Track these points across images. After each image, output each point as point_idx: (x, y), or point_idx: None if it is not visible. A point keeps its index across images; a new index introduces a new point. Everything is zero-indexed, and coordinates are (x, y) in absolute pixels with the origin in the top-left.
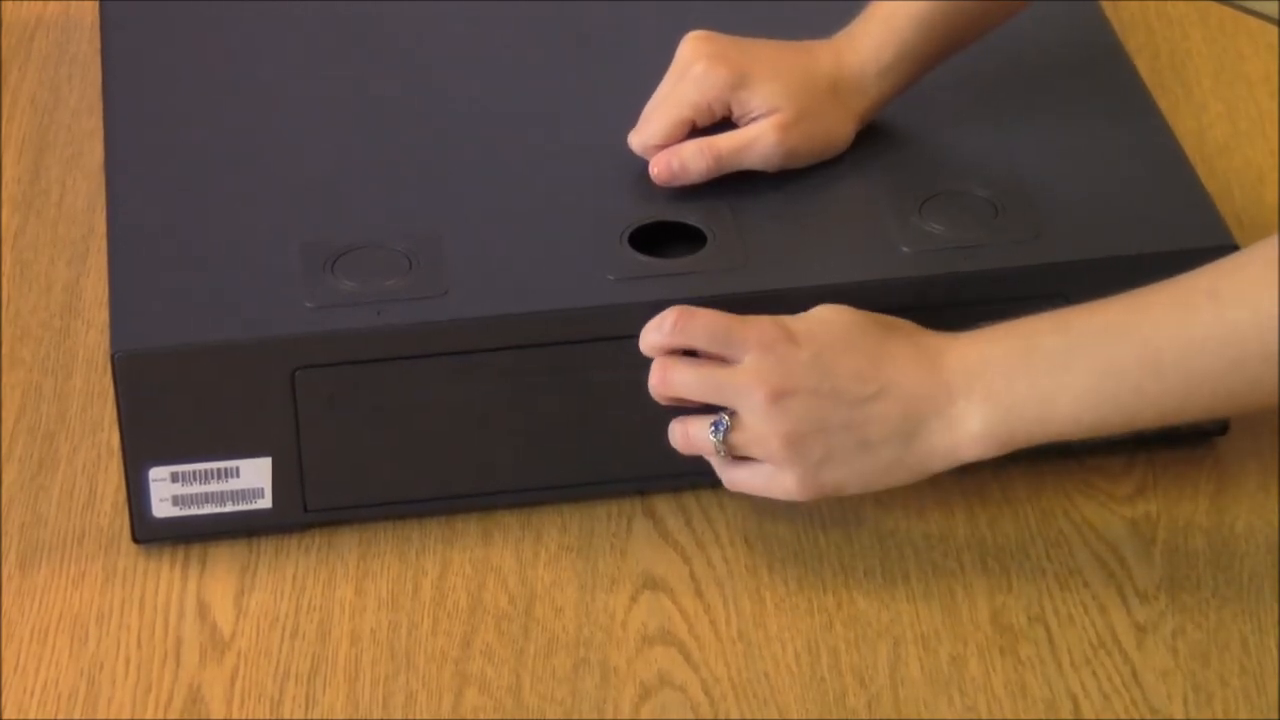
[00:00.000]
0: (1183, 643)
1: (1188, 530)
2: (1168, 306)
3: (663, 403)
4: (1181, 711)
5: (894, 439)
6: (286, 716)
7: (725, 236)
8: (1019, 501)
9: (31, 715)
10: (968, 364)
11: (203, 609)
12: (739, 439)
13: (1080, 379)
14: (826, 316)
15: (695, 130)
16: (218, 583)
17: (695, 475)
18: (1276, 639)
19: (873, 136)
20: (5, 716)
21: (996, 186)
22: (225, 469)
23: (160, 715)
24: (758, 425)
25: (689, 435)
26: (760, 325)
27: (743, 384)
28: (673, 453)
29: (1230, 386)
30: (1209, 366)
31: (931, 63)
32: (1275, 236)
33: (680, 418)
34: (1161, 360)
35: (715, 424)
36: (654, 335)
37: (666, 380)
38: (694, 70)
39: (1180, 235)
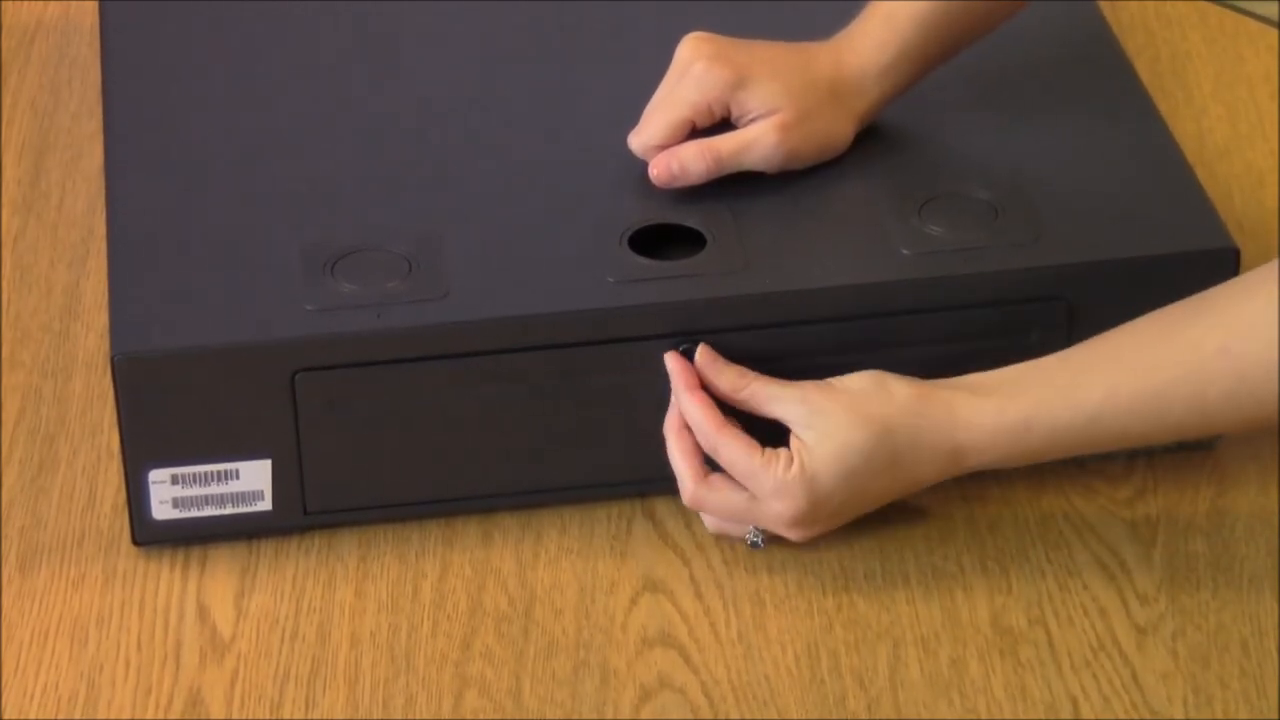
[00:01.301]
0: (1183, 645)
1: (1187, 533)
2: (1181, 373)
3: None
4: (1181, 713)
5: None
6: (286, 718)
7: (725, 239)
8: (1019, 504)
9: (31, 718)
10: (983, 464)
11: (203, 611)
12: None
13: (1099, 443)
14: (842, 459)
15: (695, 131)
16: (218, 585)
17: None
18: (1276, 641)
19: (873, 138)
20: (5, 719)
21: (996, 189)
22: (225, 471)
23: (160, 717)
24: (796, 539)
25: (724, 531)
26: (782, 495)
27: (779, 527)
28: None
29: (1242, 422)
30: (1225, 418)
31: (931, 64)
32: (1272, 266)
33: (719, 524)
34: (1179, 421)
35: (753, 543)
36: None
37: (700, 505)
38: (694, 70)
39: (1180, 238)
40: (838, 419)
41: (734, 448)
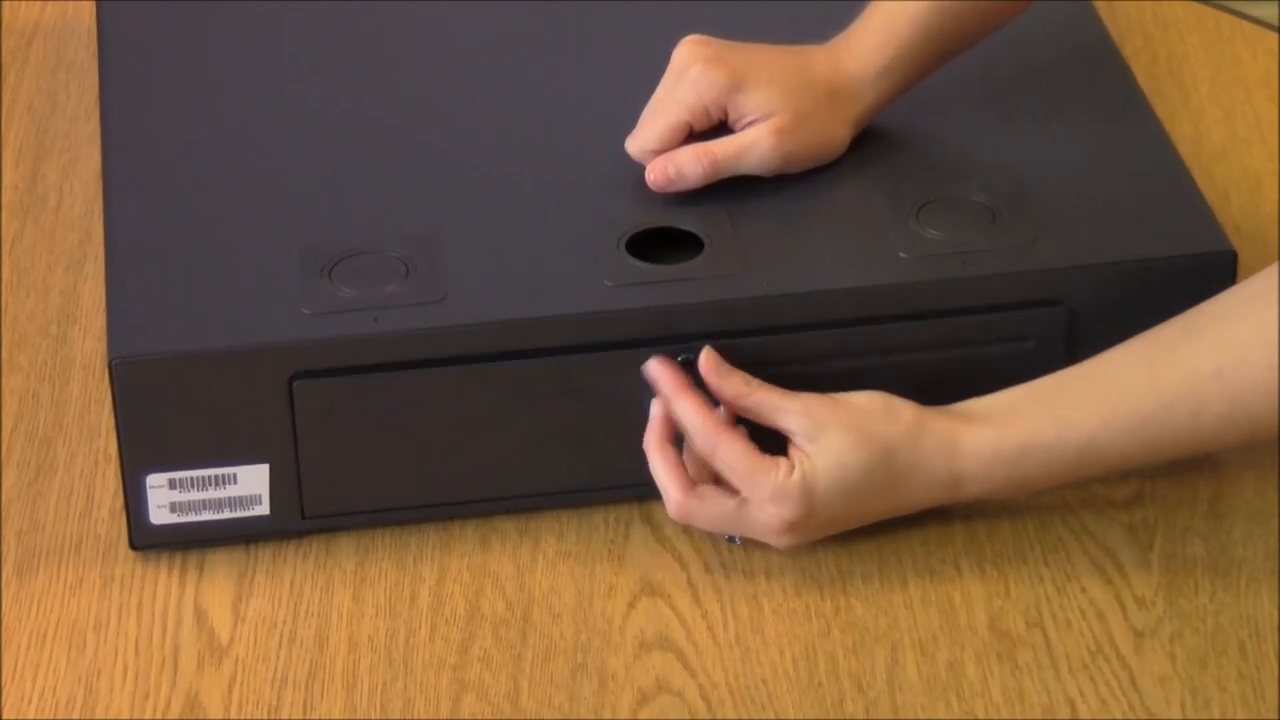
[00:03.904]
0: (1180, 648)
1: (1185, 536)
2: (1176, 399)
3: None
4: (1180, 716)
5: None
6: None
7: (722, 242)
8: (1016, 507)
9: None
10: (981, 492)
11: (200, 615)
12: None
13: (1096, 469)
14: (843, 475)
15: (692, 134)
16: (215, 589)
17: None
18: (1275, 645)
19: (870, 141)
20: None
21: (994, 192)
22: (223, 475)
23: None
24: (782, 547)
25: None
26: (779, 501)
27: (769, 534)
28: None
29: (1240, 441)
30: (1222, 438)
31: (929, 67)
32: (1263, 280)
33: (692, 512)
34: (1176, 445)
35: (730, 538)
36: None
37: (688, 517)
38: (690, 73)
39: (1178, 241)
40: (841, 436)
41: (735, 449)
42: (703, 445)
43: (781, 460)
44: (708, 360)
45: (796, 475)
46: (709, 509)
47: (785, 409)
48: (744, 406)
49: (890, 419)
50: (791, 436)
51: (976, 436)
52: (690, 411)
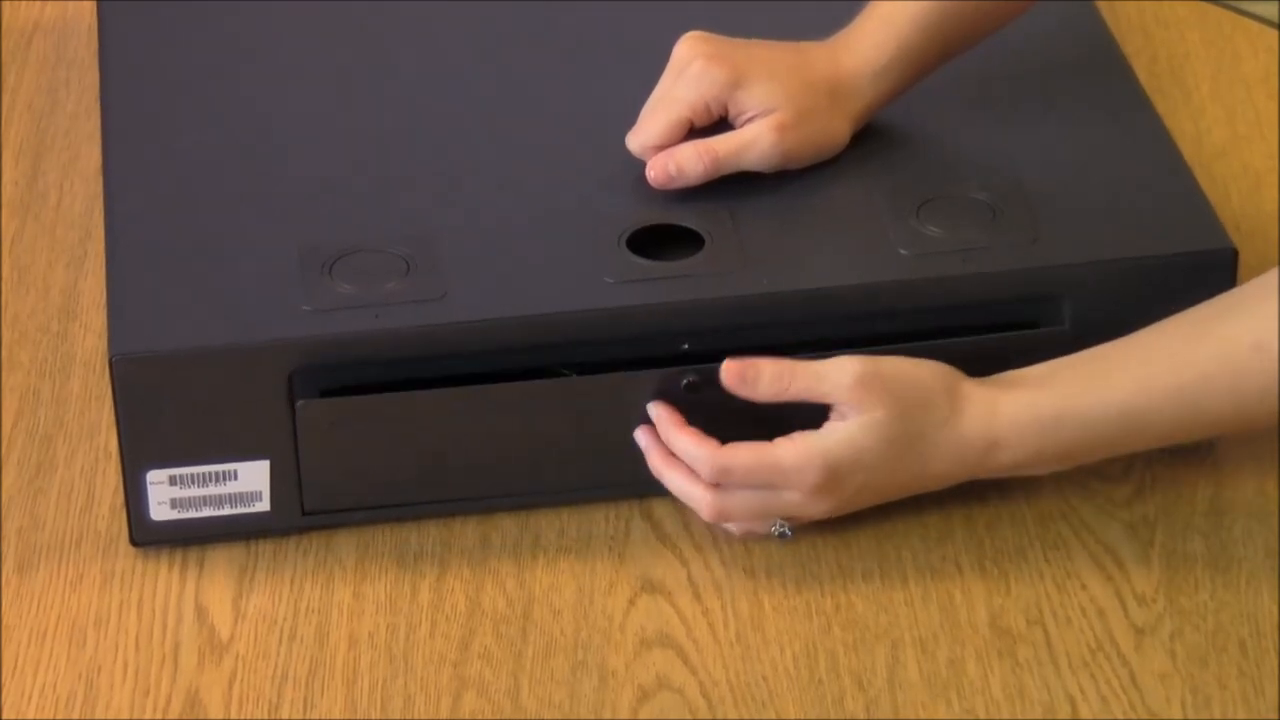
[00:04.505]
0: (1181, 646)
1: (1185, 533)
2: (1215, 369)
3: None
4: (1180, 714)
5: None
6: (284, 719)
7: (723, 239)
8: (1017, 504)
9: (29, 718)
10: (1016, 459)
11: (201, 612)
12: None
13: (1132, 439)
14: (865, 437)
15: (693, 130)
16: (216, 586)
17: None
18: (1275, 642)
19: (871, 138)
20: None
21: (994, 189)
22: (223, 472)
23: (158, 718)
24: (823, 513)
25: (751, 531)
26: (800, 475)
27: (806, 504)
28: None
29: (1272, 417)
30: (1262, 412)
31: (929, 66)
32: None
33: (744, 527)
34: (1215, 416)
35: (781, 534)
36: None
37: (723, 513)
38: (691, 69)
39: (1178, 238)
40: (878, 399)
41: (742, 453)
42: (712, 470)
43: (795, 433)
44: (731, 373)
45: (819, 434)
46: (741, 501)
47: (823, 393)
48: (789, 397)
49: (930, 379)
50: (832, 403)
51: (1015, 400)
52: (689, 445)
